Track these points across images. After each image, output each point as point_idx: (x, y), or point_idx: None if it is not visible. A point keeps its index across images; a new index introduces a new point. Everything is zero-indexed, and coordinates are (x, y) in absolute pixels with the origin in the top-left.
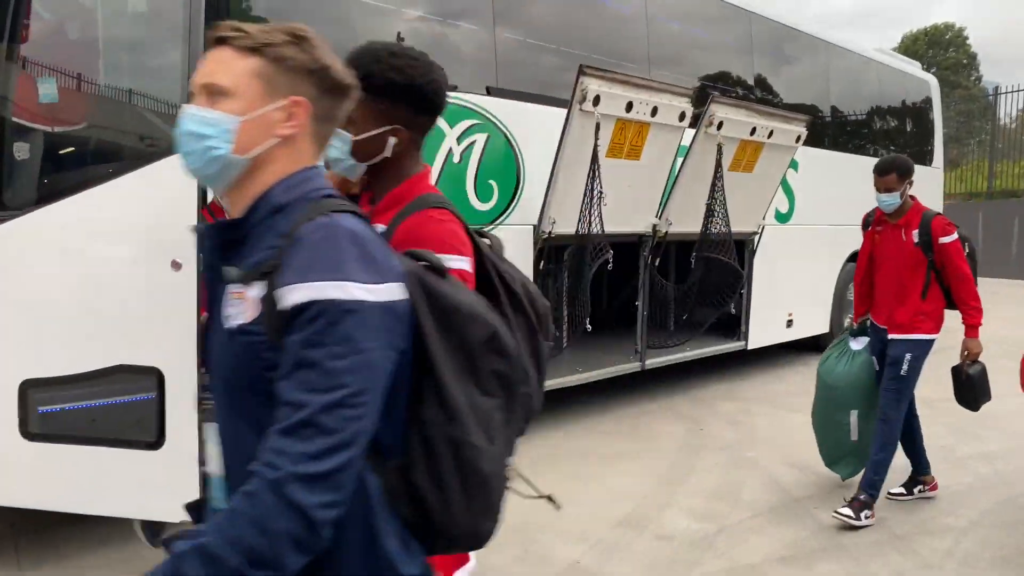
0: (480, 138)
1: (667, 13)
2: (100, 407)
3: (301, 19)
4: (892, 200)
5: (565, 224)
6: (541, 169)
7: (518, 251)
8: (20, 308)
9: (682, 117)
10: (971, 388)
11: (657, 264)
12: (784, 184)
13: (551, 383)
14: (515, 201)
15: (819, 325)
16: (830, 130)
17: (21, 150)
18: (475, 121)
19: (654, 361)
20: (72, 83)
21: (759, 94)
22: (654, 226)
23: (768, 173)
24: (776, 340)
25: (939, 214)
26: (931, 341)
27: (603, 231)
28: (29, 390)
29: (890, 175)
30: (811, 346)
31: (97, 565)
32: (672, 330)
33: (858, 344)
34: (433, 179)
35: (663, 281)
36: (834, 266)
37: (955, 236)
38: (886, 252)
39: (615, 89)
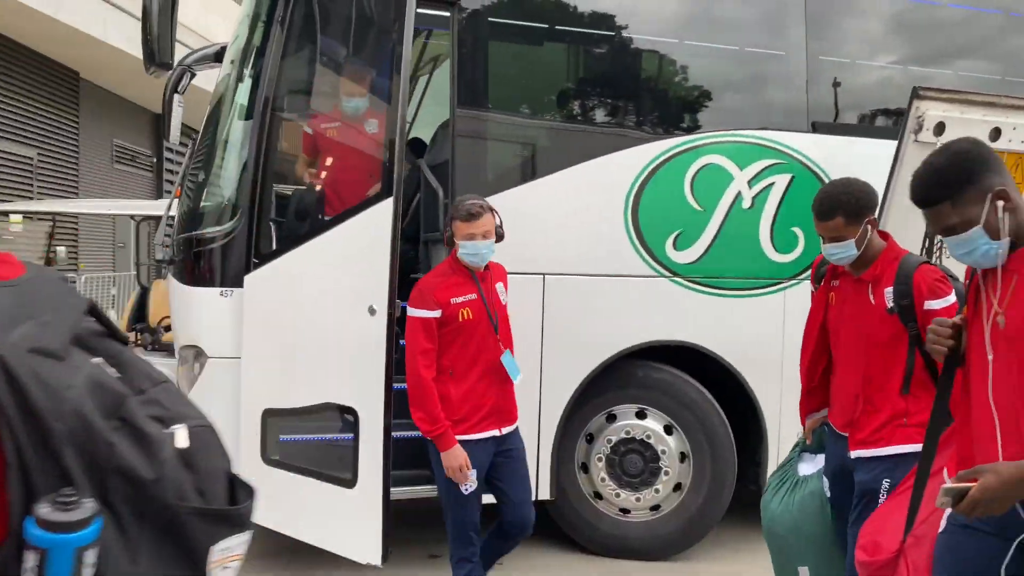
0: (780, 180)
1: None
2: (315, 441)
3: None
4: (844, 252)
5: None
6: None
7: None
8: (264, 344)
9: None
10: None
11: None
12: None
13: None
14: None
15: None
16: None
17: (271, 207)
18: (774, 161)
19: None
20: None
21: None
22: None
23: None
24: None
25: (926, 262)
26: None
27: None
28: (270, 418)
29: (834, 219)
30: None
31: None
32: None
33: (809, 467)
34: (715, 226)
35: None
36: None
37: (953, 299)
38: (846, 321)
39: (971, 113)
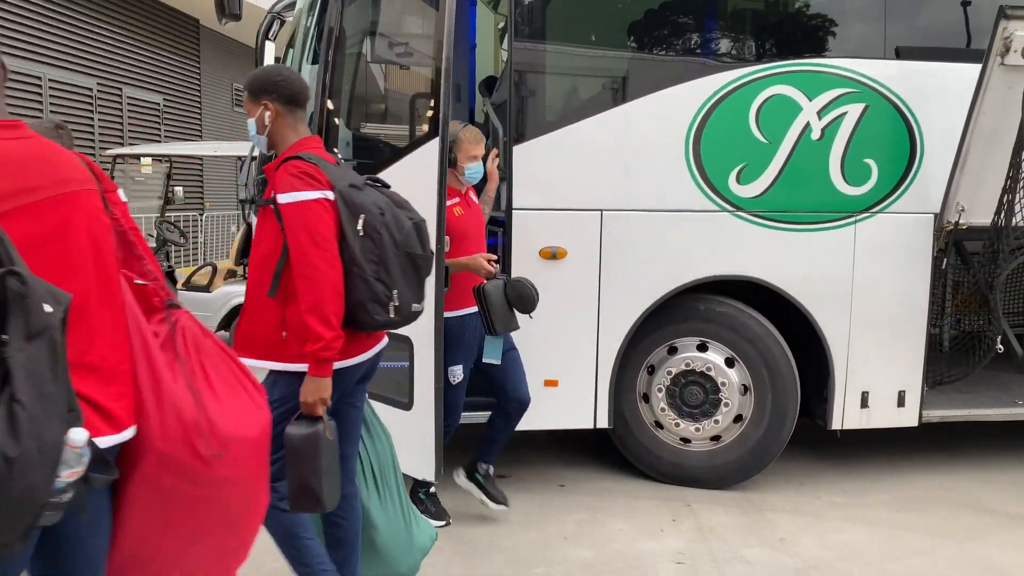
0: (853, 109)
1: None
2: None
3: None
4: (250, 132)
5: (980, 213)
6: (948, 143)
7: (911, 245)
8: None
9: None
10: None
11: None
12: None
13: (940, 413)
14: (905, 183)
15: None
16: None
17: (336, 148)
18: (847, 90)
19: None
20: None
21: None
22: None
23: None
24: None
25: (300, 158)
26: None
27: None
28: None
29: (244, 95)
30: None
31: None
32: None
33: None
34: (782, 159)
35: None
36: None
37: (307, 195)
38: None
39: None
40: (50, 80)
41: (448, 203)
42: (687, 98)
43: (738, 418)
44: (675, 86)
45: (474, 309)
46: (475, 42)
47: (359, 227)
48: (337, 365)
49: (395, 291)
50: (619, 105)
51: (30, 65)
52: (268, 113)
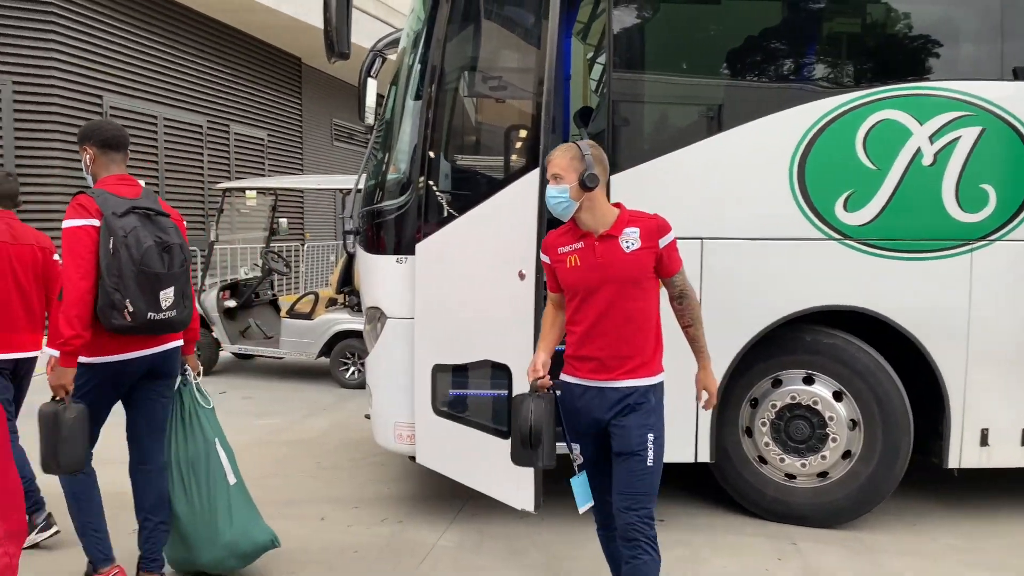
0: (968, 133)
1: None
2: (477, 395)
3: None
4: (85, 173)
5: None
6: None
7: None
8: (433, 306)
9: None
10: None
11: None
12: None
13: None
14: None
15: None
16: None
17: (437, 182)
18: (961, 113)
19: None
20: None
21: None
22: None
23: None
24: None
25: (84, 191)
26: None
27: None
28: (439, 373)
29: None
30: None
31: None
32: None
33: None
34: (892, 185)
35: None
36: None
37: (74, 222)
38: None
39: None
40: (164, 119)
41: (562, 250)
42: (791, 125)
43: (847, 454)
44: (778, 112)
45: (571, 378)
46: (570, 73)
47: (110, 247)
48: (113, 358)
49: (128, 300)
50: (720, 132)
51: (147, 105)
52: (88, 156)
